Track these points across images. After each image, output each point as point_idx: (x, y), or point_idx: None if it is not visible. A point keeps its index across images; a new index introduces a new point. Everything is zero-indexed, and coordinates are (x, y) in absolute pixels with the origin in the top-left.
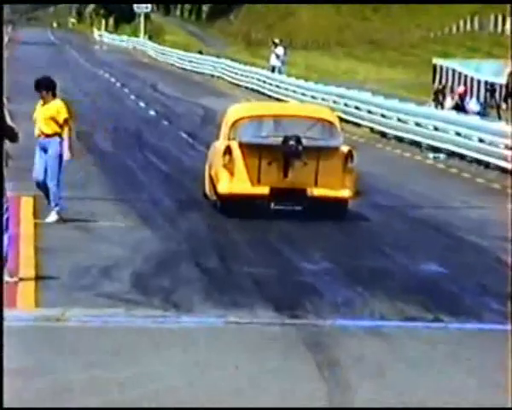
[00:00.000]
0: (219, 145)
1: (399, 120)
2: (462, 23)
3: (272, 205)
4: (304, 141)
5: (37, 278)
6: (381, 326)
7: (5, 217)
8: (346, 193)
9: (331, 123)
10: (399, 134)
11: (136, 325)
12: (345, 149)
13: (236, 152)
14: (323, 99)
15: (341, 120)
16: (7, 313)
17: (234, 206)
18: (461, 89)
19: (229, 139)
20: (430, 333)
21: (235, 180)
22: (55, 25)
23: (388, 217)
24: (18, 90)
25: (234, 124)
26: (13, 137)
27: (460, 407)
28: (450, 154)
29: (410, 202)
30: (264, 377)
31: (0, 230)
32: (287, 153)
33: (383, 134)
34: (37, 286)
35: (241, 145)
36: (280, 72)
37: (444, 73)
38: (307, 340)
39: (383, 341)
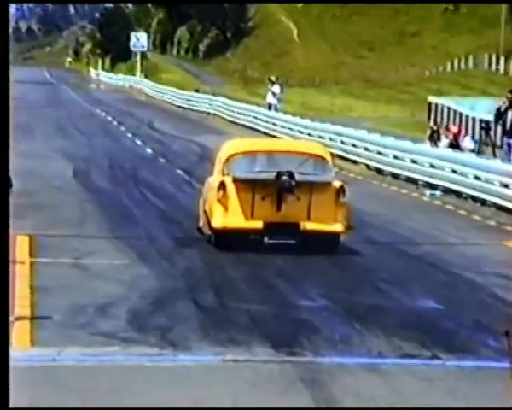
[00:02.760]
0: (213, 181)
1: (395, 157)
2: (456, 62)
3: (266, 239)
4: (296, 176)
5: (33, 317)
6: (378, 363)
7: None
8: (338, 227)
9: (323, 158)
10: (395, 171)
11: (132, 364)
12: (337, 183)
13: (230, 187)
14: (320, 136)
15: (338, 157)
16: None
17: (228, 240)
18: (455, 129)
19: (223, 175)
20: (427, 370)
21: (229, 215)
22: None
23: (384, 253)
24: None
25: (228, 159)
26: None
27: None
28: (447, 191)
29: (406, 238)
30: None
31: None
32: (280, 188)
33: (379, 171)
34: (32, 325)
35: (234, 180)
36: (276, 109)
37: (439, 111)
38: (304, 377)
39: (380, 378)
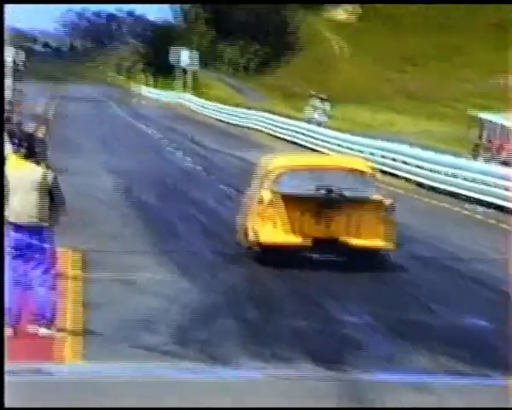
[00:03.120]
0: (256, 195)
1: (436, 171)
2: (501, 76)
3: (311, 255)
4: (343, 191)
5: (82, 332)
6: (424, 381)
7: (52, 272)
8: (382, 243)
9: (367, 173)
10: (436, 185)
11: (175, 377)
12: (386, 200)
13: (275, 202)
14: (360, 151)
15: (379, 171)
16: (55, 367)
17: (268, 254)
18: (499, 143)
19: (267, 190)
20: (474, 388)
21: (273, 230)
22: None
23: (428, 268)
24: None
25: (272, 174)
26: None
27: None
28: (489, 205)
29: (449, 254)
30: None
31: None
32: (325, 203)
33: (420, 185)
34: (77, 340)
35: (279, 196)
36: (318, 124)
37: (483, 126)
38: (349, 394)
39: (426, 395)
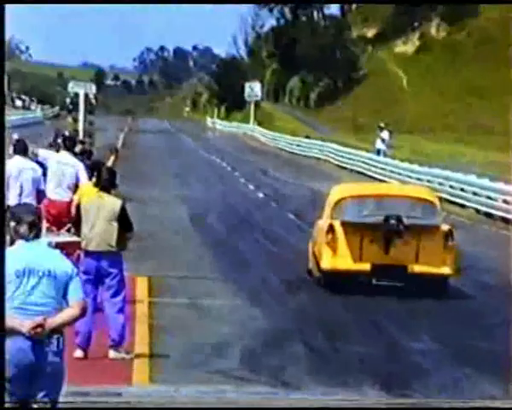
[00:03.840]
0: (323, 224)
1: (505, 201)
2: None
3: (373, 281)
4: (404, 220)
5: (152, 355)
6: (490, 407)
7: (122, 297)
8: (446, 270)
9: (431, 202)
10: (506, 215)
11: (245, 402)
12: (445, 227)
13: (339, 230)
14: (428, 181)
15: (447, 201)
16: (123, 388)
17: (336, 281)
18: None
19: (332, 218)
20: None
21: (337, 257)
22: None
23: (495, 297)
24: (134, 176)
25: (337, 203)
26: (129, 227)
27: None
28: None
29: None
30: None
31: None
32: (388, 231)
33: (489, 215)
34: (151, 363)
35: (343, 224)
36: (385, 155)
37: None
38: None
39: None
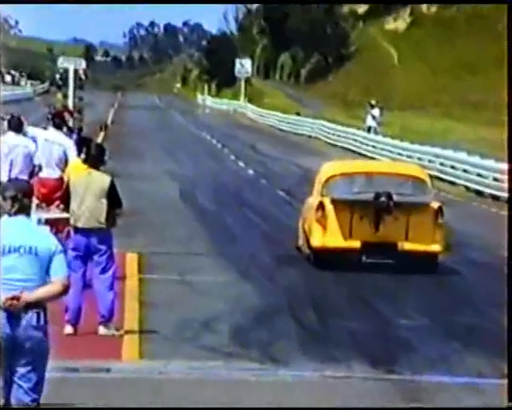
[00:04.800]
0: (312, 201)
1: (495, 179)
2: None
3: (363, 258)
4: (395, 197)
5: (141, 331)
6: (478, 383)
7: (111, 273)
8: (436, 247)
9: (421, 180)
10: (495, 193)
11: (235, 378)
12: (435, 204)
13: (329, 207)
14: (419, 158)
15: (437, 178)
16: (113, 364)
17: (326, 259)
18: None
19: (322, 195)
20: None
21: (327, 234)
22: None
23: (484, 274)
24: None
25: (326, 181)
26: (118, 203)
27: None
28: None
29: (506, 260)
30: None
31: None
32: (378, 208)
33: (479, 192)
34: (141, 339)
35: (333, 201)
36: (376, 132)
37: None
38: (404, 395)
39: (480, 398)
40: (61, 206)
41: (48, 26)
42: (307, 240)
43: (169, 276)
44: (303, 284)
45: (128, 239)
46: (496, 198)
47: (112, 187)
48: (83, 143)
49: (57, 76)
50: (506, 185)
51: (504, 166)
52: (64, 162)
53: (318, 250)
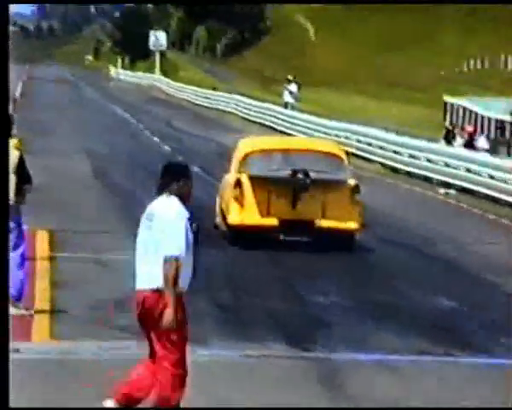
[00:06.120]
0: (230, 178)
1: (411, 156)
2: (472, 62)
3: (280, 236)
4: (312, 174)
5: (52, 311)
6: (392, 360)
7: (21, 251)
8: (353, 225)
9: (338, 157)
10: (411, 170)
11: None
12: (352, 182)
13: (246, 185)
14: (336, 135)
15: (353, 155)
16: (22, 345)
17: (243, 236)
18: (470, 128)
19: (239, 172)
20: (441, 367)
21: (244, 212)
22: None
23: (399, 251)
24: (33, 126)
25: (244, 157)
26: (27, 179)
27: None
28: (461, 190)
29: (420, 237)
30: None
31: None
32: (295, 186)
33: (394, 170)
34: (51, 319)
35: (250, 178)
36: (293, 108)
37: (454, 111)
38: (319, 374)
39: (394, 375)
40: None
41: None
42: (224, 218)
43: (81, 254)
44: (220, 263)
45: (38, 217)
46: (411, 175)
47: (20, 162)
48: None
49: None
50: (421, 162)
51: (419, 143)
52: None
53: (236, 228)
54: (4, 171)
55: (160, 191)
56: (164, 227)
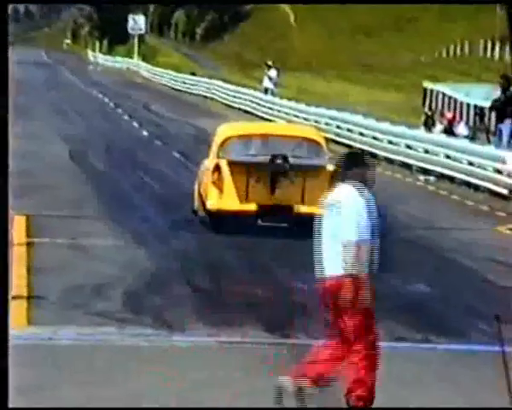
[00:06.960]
0: (208, 163)
1: (390, 142)
2: (452, 48)
3: (259, 221)
4: (290, 159)
5: (30, 296)
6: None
7: None
8: None
9: (317, 142)
10: (390, 156)
11: (127, 344)
12: (331, 167)
13: (224, 170)
14: (316, 121)
15: (333, 141)
16: None
17: (222, 222)
18: (449, 115)
19: (218, 157)
20: (419, 353)
21: (223, 197)
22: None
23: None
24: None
25: (223, 143)
26: None
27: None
28: (440, 176)
29: (399, 223)
30: (255, 396)
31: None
32: (274, 171)
33: (374, 156)
34: (29, 305)
35: (229, 163)
36: (272, 93)
37: (434, 97)
38: (298, 360)
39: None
40: None
41: None
42: (203, 203)
43: (59, 240)
44: (198, 248)
45: (16, 201)
46: (390, 161)
47: None
48: None
49: None
50: (399, 148)
51: (399, 129)
52: None
53: (214, 213)
54: (4, 167)
55: (342, 179)
56: (346, 213)
